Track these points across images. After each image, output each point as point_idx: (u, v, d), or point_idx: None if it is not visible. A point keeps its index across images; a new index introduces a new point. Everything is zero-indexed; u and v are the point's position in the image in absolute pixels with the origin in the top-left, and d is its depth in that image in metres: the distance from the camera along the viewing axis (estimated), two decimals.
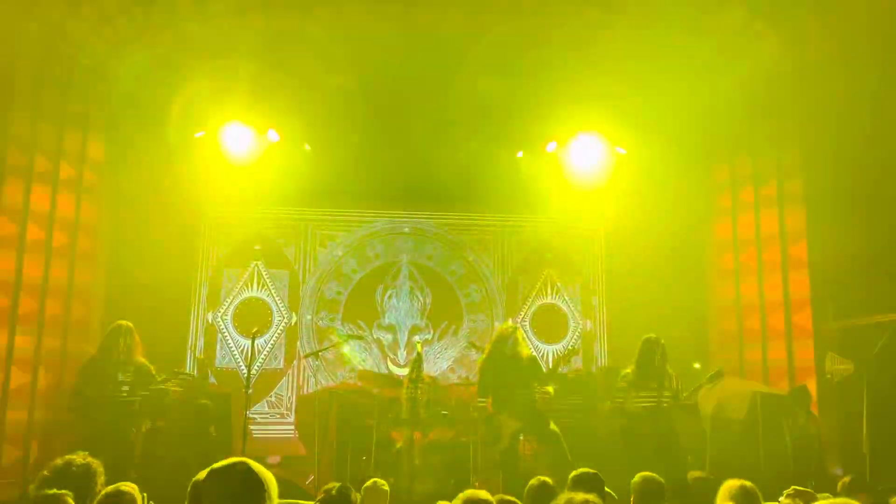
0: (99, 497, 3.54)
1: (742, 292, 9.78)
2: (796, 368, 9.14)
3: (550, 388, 6.83)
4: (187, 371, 7.51)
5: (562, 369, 7.18)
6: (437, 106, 9.78)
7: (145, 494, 3.83)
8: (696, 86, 9.38)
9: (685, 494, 6.21)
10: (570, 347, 6.78)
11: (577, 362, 10.58)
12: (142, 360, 6.82)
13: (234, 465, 2.53)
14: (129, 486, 3.63)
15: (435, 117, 9.99)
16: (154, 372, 6.82)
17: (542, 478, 4.23)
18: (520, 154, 10.49)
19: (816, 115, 9.13)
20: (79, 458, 3.76)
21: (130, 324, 7.00)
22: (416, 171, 10.58)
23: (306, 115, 10.10)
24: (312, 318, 10.64)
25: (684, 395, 6.65)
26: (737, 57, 9.40)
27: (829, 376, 8.10)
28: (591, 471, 3.98)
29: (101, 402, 6.48)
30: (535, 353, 7.32)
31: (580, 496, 3.01)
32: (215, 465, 2.55)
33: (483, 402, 6.95)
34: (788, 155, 9.51)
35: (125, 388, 6.59)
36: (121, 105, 9.68)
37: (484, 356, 7.08)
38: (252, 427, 9.41)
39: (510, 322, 7.38)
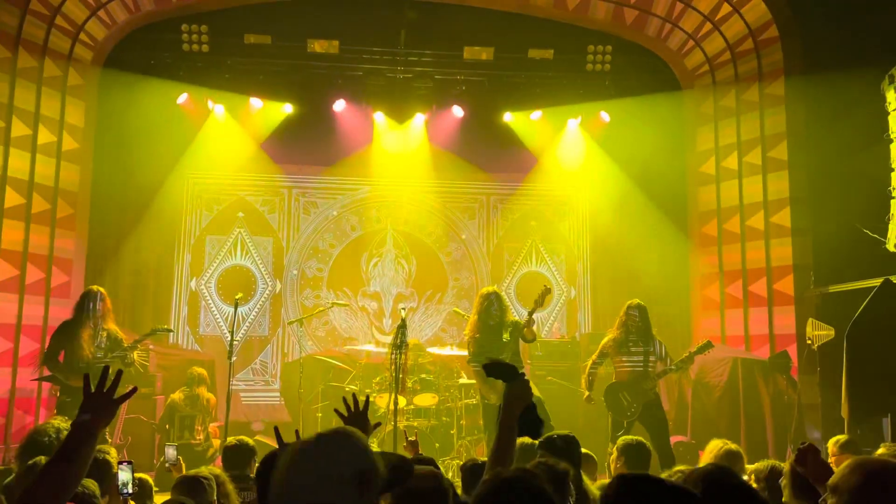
0: None
1: (725, 259, 9.84)
2: (777, 334, 9.25)
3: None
4: (159, 328, 7.32)
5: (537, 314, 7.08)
6: None
7: (134, 463, 3.82)
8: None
9: (670, 458, 6.28)
10: (543, 287, 6.68)
11: (561, 329, 10.65)
12: (113, 326, 6.75)
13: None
14: (105, 452, 3.60)
15: None
16: (123, 338, 6.76)
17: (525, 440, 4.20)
18: (508, 117, 10.44)
19: (800, 81, 9.16)
20: (57, 422, 3.73)
21: (102, 289, 6.90)
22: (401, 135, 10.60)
23: (288, 81, 10.04)
24: (297, 291, 10.60)
25: (674, 364, 6.66)
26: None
27: (809, 342, 8.18)
28: (565, 433, 3.98)
29: (73, 366, 6.46)
30: (518, 318, 7.30)
31: (553, 460, 3.05)
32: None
33: (476, 366, 6.99)
34: (772, 122, 9.52)
35: (99, 353, 6.54)
36: (100, 69, 9.54)
37: (470, 325, 7.07)
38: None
39: (493, 287, 7.33)
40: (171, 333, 9.65)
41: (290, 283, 10.61)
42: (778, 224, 9.37)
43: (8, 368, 8.39)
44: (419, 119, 10.51)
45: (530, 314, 6.68)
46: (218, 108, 10.09)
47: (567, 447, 3.76)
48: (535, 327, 6.83)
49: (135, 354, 6.72)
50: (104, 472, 3.45)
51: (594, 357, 6.97)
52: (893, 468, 1.76)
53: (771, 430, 8.29)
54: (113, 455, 3.66)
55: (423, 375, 8.17)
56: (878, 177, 8.46)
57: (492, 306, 6.83)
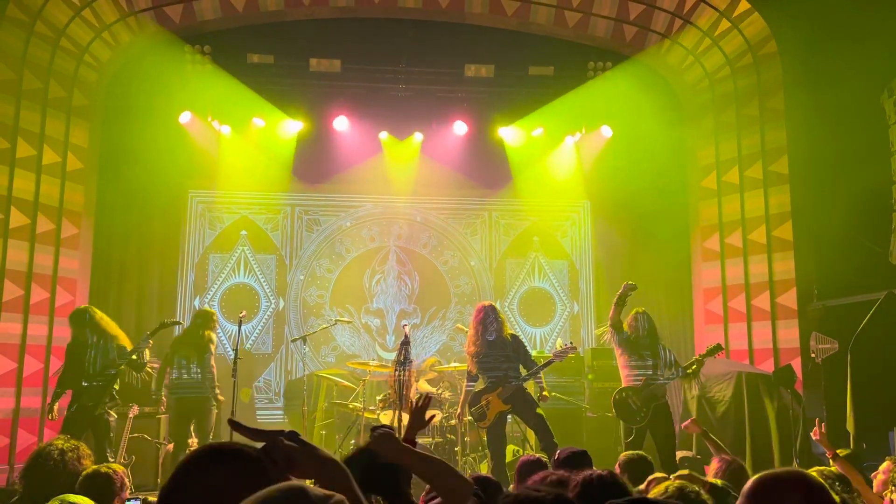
0: (80, 479, 3.50)
1: (727, 274, 9.84)
2: (781, 348, 9.23)
3: (548, 393, 7.07)
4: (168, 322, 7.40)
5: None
6: None
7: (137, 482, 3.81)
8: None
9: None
10: (570, 343, 6.90)
11: (564, 345, 10.64)
12: (116, 339, 6.80)
13: None
14: (108, 468, 3.57)
15: None
16: (127, 345, 6.84)
17: (536, 454, 4.21)
18: (509, 133, 10.48)
19: (799, 95, 9.19)
20: (60, 443, 3.72)
21: (88, 307, 7.04)
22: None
23: (290, 100, 10.10)
24: (300, 309, 10.62)
25: (690, 368, 6.61)
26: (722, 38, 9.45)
27: (813, 356, 8.16)
28: (579, 449, 3.98)
29: (75, 385, 6.57)
30: (516, 331, 7.34)
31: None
32: None
33: (471, 386, 6.99)
34: (773, 136, 9.54)
35: (99, 367, 6.62)
36: (104, 90, 9.61)
37: (468, 341, 7.08)
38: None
39: (487, 302, 7.36)
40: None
41: (294, 298, 10.62)
42: (780, 238, 9.38)
43: (12, 388, 8.40)
44: (420, 136, 10.56)
45: (541, 368, 6.83)
46: (222, 128, 10.16)
47: (580, 462, 3.76)
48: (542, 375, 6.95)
49: (146, 353, 6.79)
50: (105, 489, 3.42)
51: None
52: (780, 476, 1.85)
53: (776, 444, 8.24)
54: (118, 470, 3.62)
55: (427, 391, 8.17)
56: (879, 190, 8.48)
57: (488, 320, 6.85)
